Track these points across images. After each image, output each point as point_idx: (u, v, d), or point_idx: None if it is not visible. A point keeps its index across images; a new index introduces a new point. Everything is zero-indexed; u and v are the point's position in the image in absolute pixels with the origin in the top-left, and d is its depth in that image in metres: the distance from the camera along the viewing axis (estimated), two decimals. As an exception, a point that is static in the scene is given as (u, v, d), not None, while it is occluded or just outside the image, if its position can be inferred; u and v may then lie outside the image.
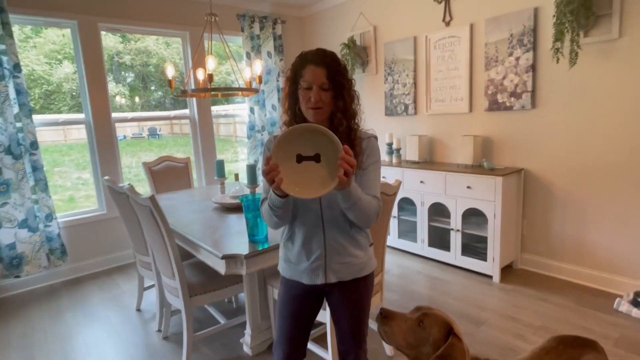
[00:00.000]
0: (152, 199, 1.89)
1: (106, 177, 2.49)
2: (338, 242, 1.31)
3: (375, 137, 1.35)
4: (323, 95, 1.23)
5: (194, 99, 4.17)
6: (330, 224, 1.30)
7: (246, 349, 2.23)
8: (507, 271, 3.14)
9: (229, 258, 1.77)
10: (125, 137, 11.53)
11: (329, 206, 1.29)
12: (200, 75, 2.83)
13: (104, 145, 3.62)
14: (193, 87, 3.78)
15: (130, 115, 4.13)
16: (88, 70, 3.46)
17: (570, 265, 2.96)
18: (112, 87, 7.21)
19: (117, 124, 3.72)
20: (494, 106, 3.19)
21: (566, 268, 2.98)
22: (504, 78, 3.09)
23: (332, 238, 1.30)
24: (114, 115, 3.70)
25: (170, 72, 2.51)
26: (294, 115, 1.30)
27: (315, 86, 1.22)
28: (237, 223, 2.30)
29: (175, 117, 4.54)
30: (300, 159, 1.11)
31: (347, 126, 1.26)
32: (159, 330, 2.53)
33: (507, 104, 3.10)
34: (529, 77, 2.94)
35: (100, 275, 3.53)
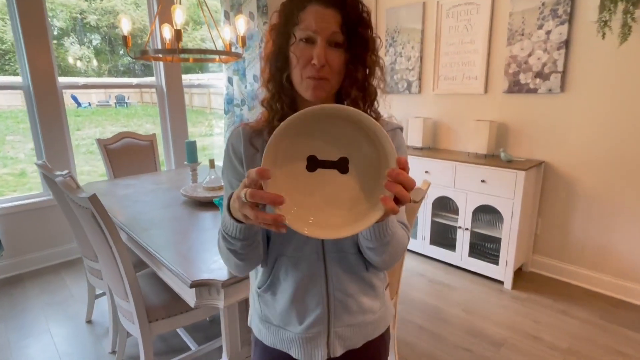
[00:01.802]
0: (92, 199, 1.36)
1: (39, 162, 1.91)
2: (347, 293, 0.84)
3: (401, 128, 0.87)
4: (332, 55, 0.72)
5: (161, 65, 3.54)
6: (336, 263, 0.82)
7: (222, 383, 1.79)
8: (517, 275, 2.81)
9: (201, 285, 1.29)
10: (90, 104, 10.56)
11: None
12: (167, 33, 2.24)
13: (47, 116, 2.97)
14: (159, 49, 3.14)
15: (82, 81, 3.45)
16: (24, 23, 2.77)
17: (589, 271, 2.65)
18: (75, 49, 6.36)
19: (77, 91, 3.08)
20: (515, 88, 2.76)
21: (584, 274, 2.67)
22: (529, 55, 2.65)
23: (339, 286, 0.83)
24: (62, 80, 3.05)
25: (125, 25, 1.92)
26: (280, 88, 0.77)
27: (321, 38, 0.71)
28: (212, 225, 1.81)
29: (138, 86, 3.88)
30: (314, 164, 0.62)
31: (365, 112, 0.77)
32: (113, 352, 2.05)
33: (531, 86, 2.68)
34: (561, 55, 2.52)
35: (44, 272, 2.96)
